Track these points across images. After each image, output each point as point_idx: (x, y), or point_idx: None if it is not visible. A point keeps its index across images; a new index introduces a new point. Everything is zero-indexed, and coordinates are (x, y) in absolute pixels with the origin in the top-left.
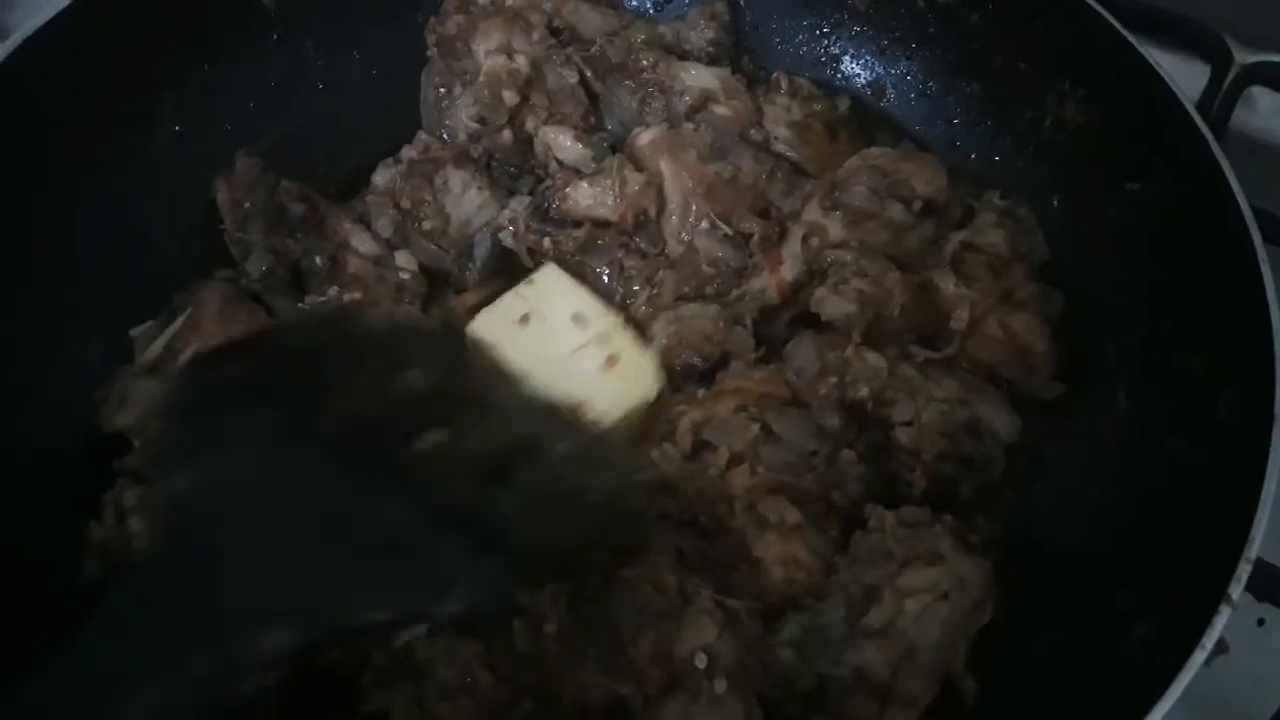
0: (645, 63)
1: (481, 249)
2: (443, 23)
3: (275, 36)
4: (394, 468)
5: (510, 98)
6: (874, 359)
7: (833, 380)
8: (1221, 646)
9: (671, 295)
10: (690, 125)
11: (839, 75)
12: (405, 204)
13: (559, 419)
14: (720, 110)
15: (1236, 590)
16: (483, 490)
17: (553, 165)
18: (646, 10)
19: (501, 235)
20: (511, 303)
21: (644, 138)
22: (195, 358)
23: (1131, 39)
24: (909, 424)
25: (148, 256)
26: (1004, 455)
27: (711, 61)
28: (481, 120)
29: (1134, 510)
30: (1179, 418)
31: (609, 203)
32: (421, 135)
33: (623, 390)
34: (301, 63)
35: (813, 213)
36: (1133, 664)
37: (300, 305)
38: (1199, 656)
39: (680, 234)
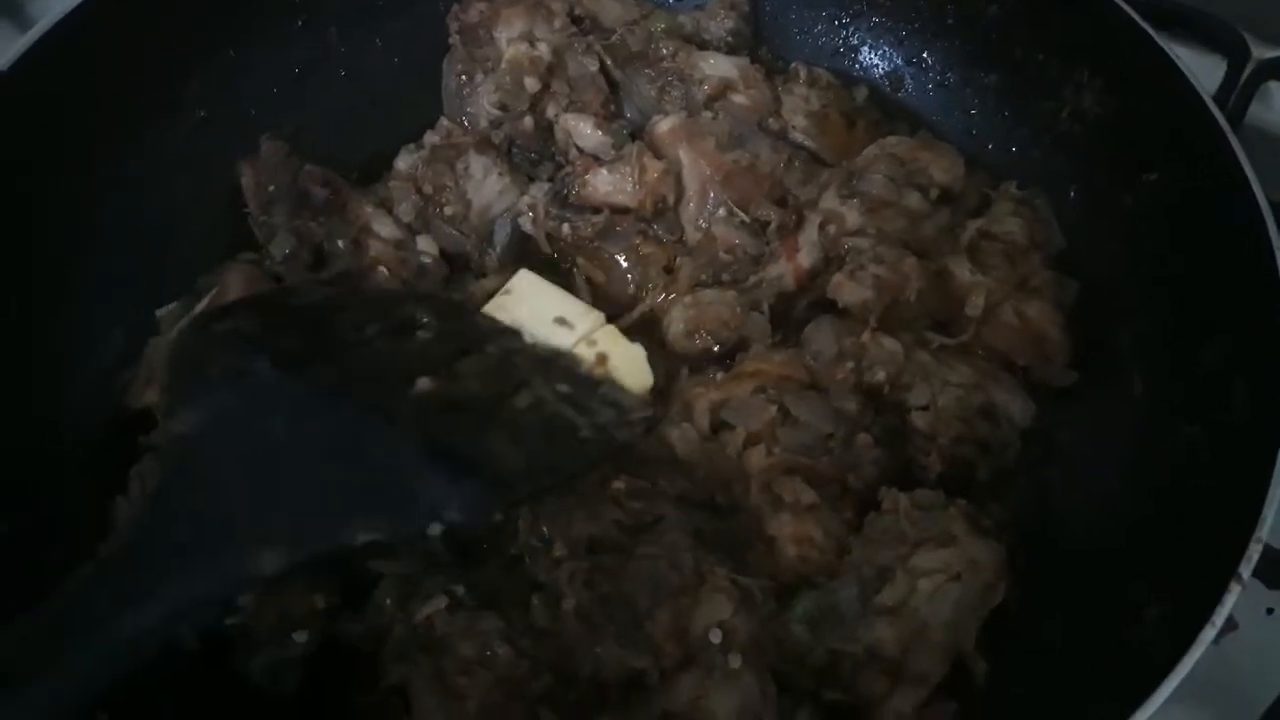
0: (665, 52)
1: (502, 234)
2: (465, 10)
3: (299, 23)
4: (388, 407)
5: (532, 85)
6: (890, 344)
7: (850, 365)
8: (1231, 624)
9: (689, 282)
10: (709, 114)
11: (857, 65)
12: (427, 189)
13: (557, 366)
14: (739, 99)
15: (1247, 569)
16: (472, 425)
17: (573, 152)
18: (666, 0)
19: (521, 221)
20: (493, 314)
21: (663, 125)
22: (203, 313)
23: (1149, 30)
24: (925, 408)
25: (173, 239)
26: (1019, 440)
27: (730, 51)
28: (503, 107)
29: (1147, 496)
30: (1193, 405)
31: (628, 189)
32: (444, 121)
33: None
34: (325, 50)
35: (830, 200)
36: (1143, 644)
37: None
38: (1209, 633)
39: (698, 221)
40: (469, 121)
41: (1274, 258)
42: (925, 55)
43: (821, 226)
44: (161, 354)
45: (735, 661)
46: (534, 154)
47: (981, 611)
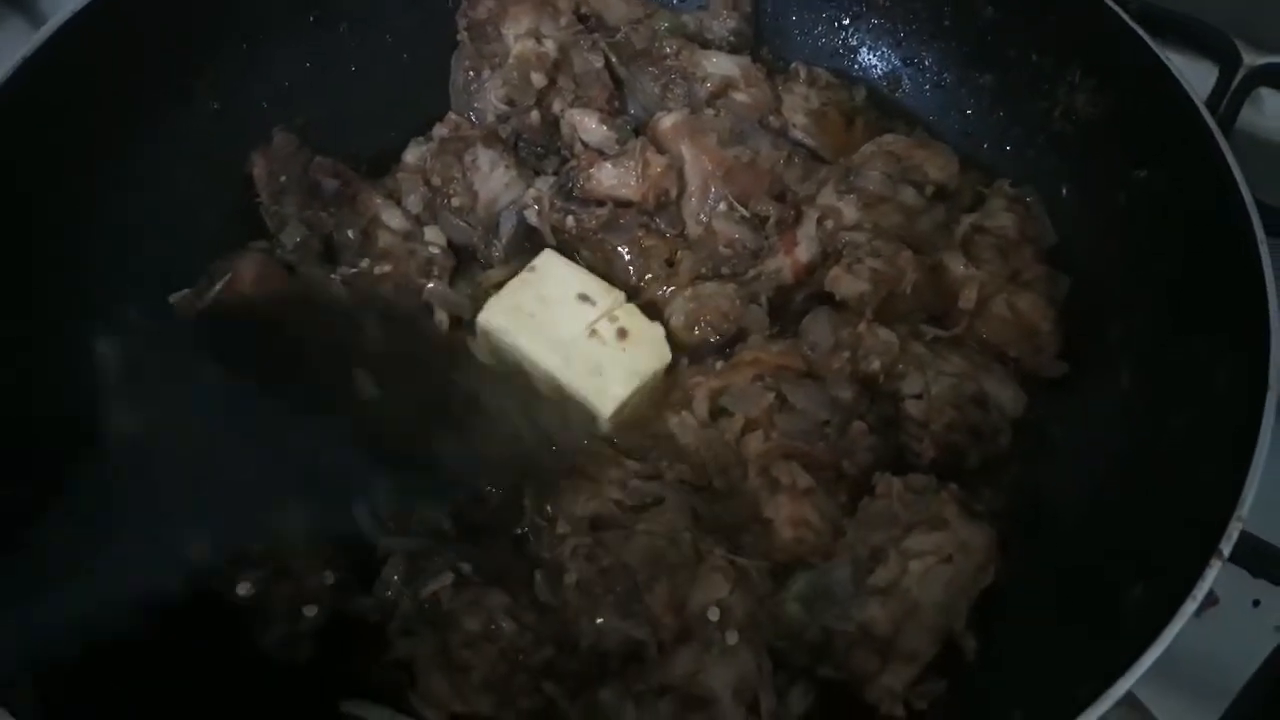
0: (668, 50)
1: (507, 226)
2: (474, 7)
3: (311, 19)
4: (328, 409)
5: (538, 80)
6: (885, 334)
7: (846, 355)
8: (1211, 599)
9: (689, 275)
10: (711, 111)
11: (856, 66)
12: (435, 181)
13: (509, 383)
14: (740, 97)
15: (1228, 546)
16: (410, 428)
17: (578, 146)
18: (670, 0)
19: (527, 213)
20: (518, 290)
21: (666, 121)
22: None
23: (1141, 32)
24: (919, 397)
25: (186, 226)
26: (1010, 429)
27: (732, 50)
28: (510, 101)
29: (1133, 482)
30: (1179, 394)
31: (631, 183)
32: (451, 115)
33: (638, 361)
34: (336, 45)
35: (828, 196)
36: (1127, 621)
37: (332, 275)
38: (1190, 606)
39: (699, 215)
40: (476, 116)
41: (1259, 254)
42: (922, 56)
43: (819, 221)
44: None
45: (732, 638)
46: (540, 148)
47: (972, 592)
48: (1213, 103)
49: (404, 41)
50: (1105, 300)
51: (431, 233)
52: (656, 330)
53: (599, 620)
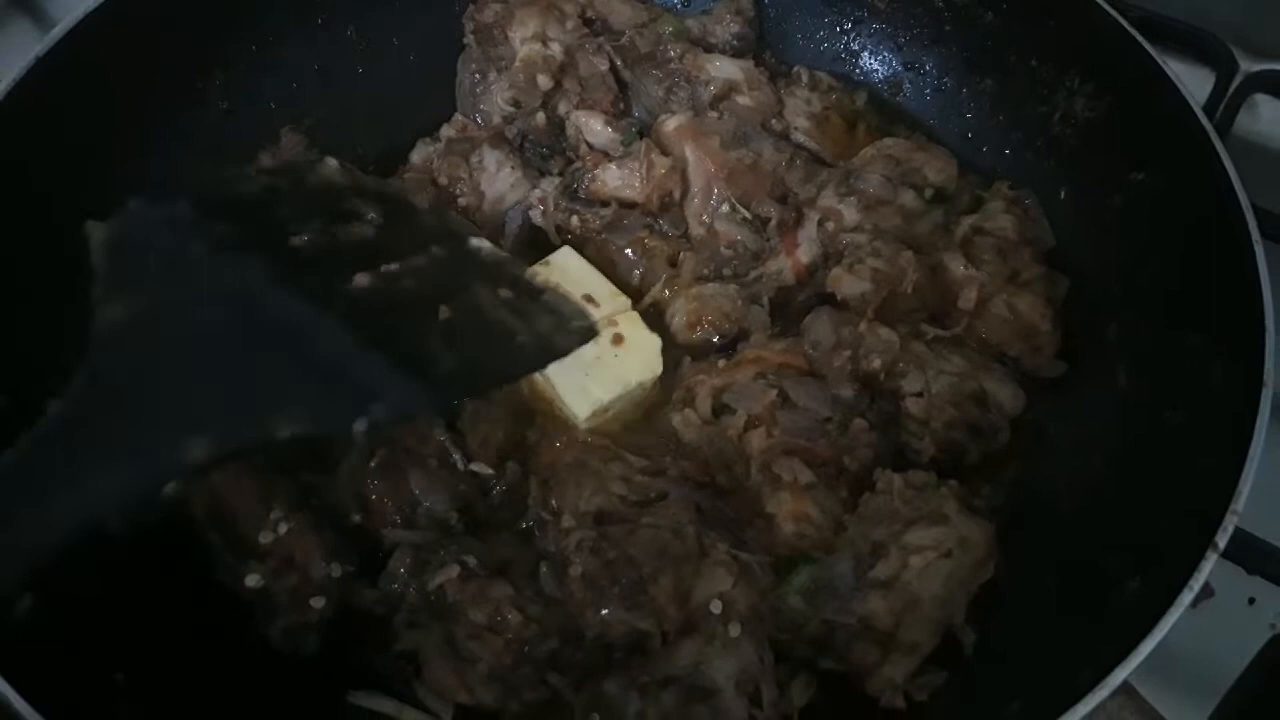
0: (672, 54)
1: (513, 225)
2: (481, 11)
3: (319, 21)
4: (323, 299)
5: (544, 82)
6: (886, 333)
7: (847, 353)
8: (1207, 591)
9: (692, 275)
10: (714, 113)
11: (858, 70)
12: (442, 181)
13: (501, 270)
14: (743, 100)
15: (1223, 539)
16: (407, 324)
17: (583, 148)
18: (674, 5)
19: (532, 213)
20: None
21: (670, 124)
22: (139, 201)
23: (1138, 37)
24: (919, 395)
25: None
26: (1009, 427)
27: (735, 54)
28: (516, 103)
29: (1130, 477)
30: (1175, 391)
31: (636, 185)
32: (458, 116)
33: (626, 370)
34: (344, 47)
35: (829, 198)
36: (1125, 613)
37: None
38: (1186, 596)
39: (701, 216)
40: (482, 118)
41: (1255, 255)
42: (923, 61)
43: (821, 223)
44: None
45: (734, 630)
46: (545, 149)
47: (971, 586)
48: (1209, 109)
49: (411, 44)
50: (1103, 301)
51: None
52: (653, 342)
53: (604, 612)
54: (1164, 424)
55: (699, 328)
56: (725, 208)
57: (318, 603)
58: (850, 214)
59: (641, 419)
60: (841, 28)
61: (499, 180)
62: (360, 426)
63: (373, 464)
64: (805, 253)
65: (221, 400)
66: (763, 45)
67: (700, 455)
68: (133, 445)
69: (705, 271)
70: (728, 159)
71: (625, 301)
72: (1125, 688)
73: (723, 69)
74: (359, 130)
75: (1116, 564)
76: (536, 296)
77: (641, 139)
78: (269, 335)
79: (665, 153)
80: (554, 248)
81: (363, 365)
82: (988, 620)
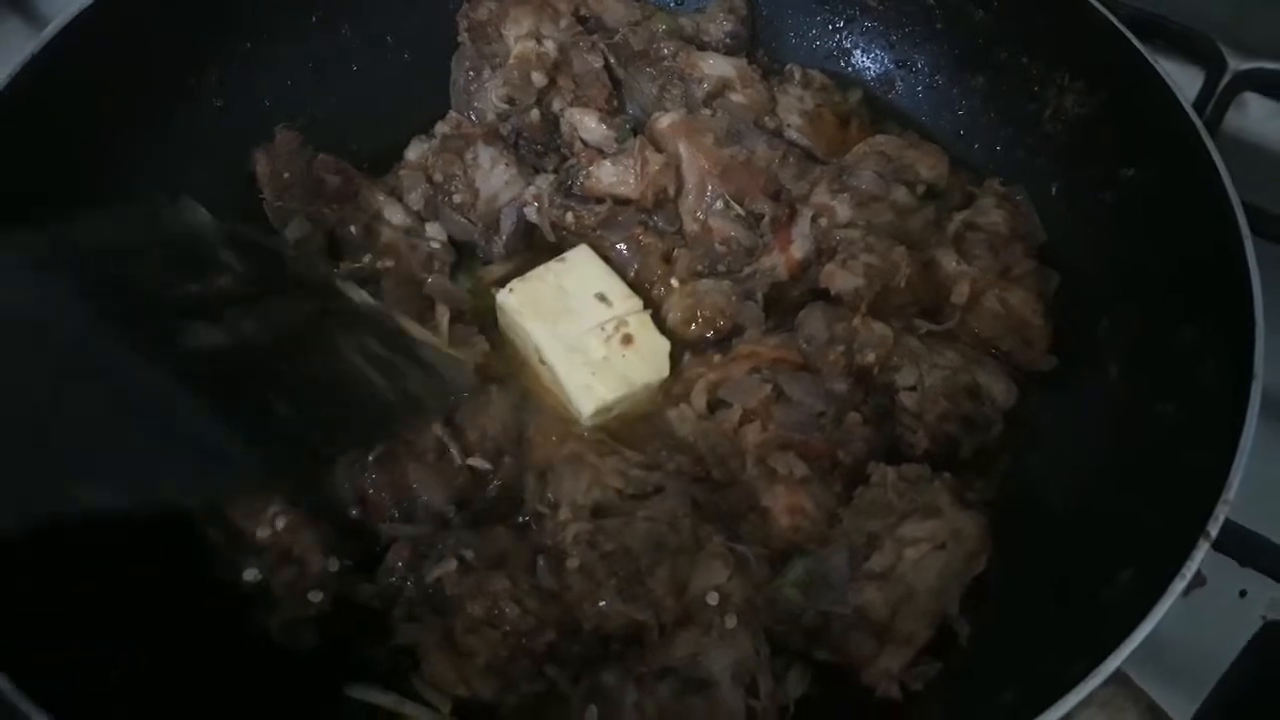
0: (666, 51)
1: (508, 222)
2: (475, 9)
3: (314, 19)
4: (162, 358)
5: (539, 79)
6: (880, 328)
7: (841, 348)
8: (1199, 579)
9: (686, 271)
10: (707, 111)
11: (850, 68)
12: (437, 178)
13: (371, 324)
14: (736, 98)
15: (1215, 527)
16: (258, 384)
17: (578, 145)
18: (667, 3)
19: (527, 210)
20: (542, 275)
21: (663, 121)
22: None
23: (1128, 34)
24: (912, 389)
25: None
26: (1001, 420)
27: (729, 52)
28: (511, 101)
29: (1122, 470)
30: (1166, 384)
31: (630, 181)
32: (453, 113)
33: (632, 370)
34: (338, 45)
35: (822, 195)
36: (1117, 603)
37: (336, 270)
38: (1179, 584)
39: (696, 213)
40: (476, 115)
41: (1244, 248)
42: (915, 58)
43: (814, 219)
44: None
45: (731, 622)
46: (540, 146)
47: (965, 578)
48: (1198, 106)
49: (405, 42)
50: (1094, 295)
51: (433, 229)
52: (661, 345)
53: (602, 604)
54: (1155, 416)
55: (694, 323)
56: (719, 204)
57: (316, 597)
58: (843, 210)
59: (640, 414)
60: (834, 25)
61: (494, 177)
62: (186, 503)
63: (370, 459)
64: (799, 249)
65: (24, 465)
66: (755, 43)
67: (696, 450)
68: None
69: (700, 268)
70: (721, 156)
71: (637, 302)
72: (1119, 675)
73: (716, 67)
74: (353, 128)
75: (1109, 555)
76: (412, 352)
77: (636, 136)
78: (85, 396)
79: (659, 150)
80: (548, 244)
81: (196, 431)
82: (982, 611)
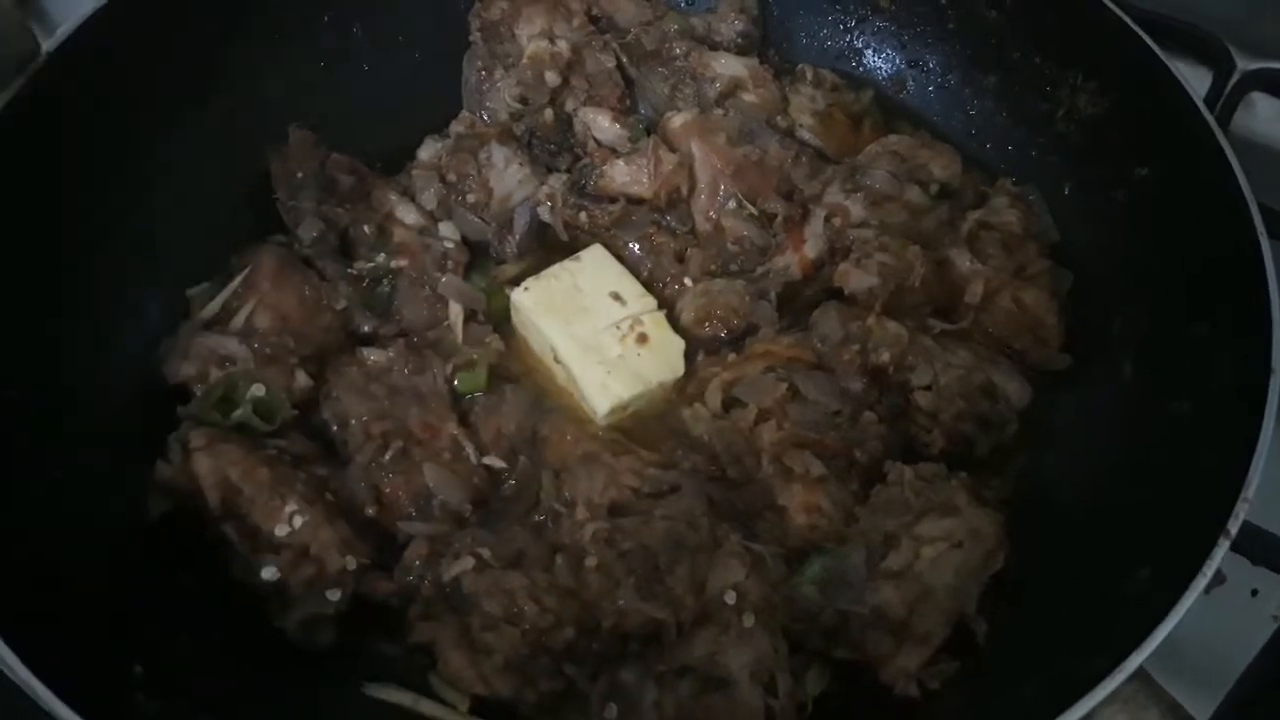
0: (678, 51)
1: (521, 221)
2: (487, 9)
3: (326, 19)
4: None
5: (552, 79)
6: (894, 327)
7: (855, 347)
8: (1219, 578)
9: (699, 271)
10: (720, 110)
11: (862, 68)
12: (451, 177)
13: None
14: (748, 97)
15: (1235, 525)
16: None
17: (591, 144)
18: (679, 3)
19: (540, 209)
20: (557, 274)
21: (676, 120)
22: None
23: (1141, 33)
24: (927, 388)
25: (204, 221)
26: (1016, 419)
27: (740, 52)
28: (524, 100)
29: (1138, 468)
30: (1181, 382)
31: (644, 180)
32: (466, 113)
33: (647, 369)
34: (350, 45)
35: (835, 194)
36: (1137, 600)
37: (349, 270)
38: (1200, 582)
39: (708, 212)
40: (488, 115)
41: (1260, 245)
42: (927, 58)
43: (827, 219)
44: (198, 343)
45: (749, 620)
46: (553, 145)
47: (982, 576)
48: (1207, 106)
49: (416, 42)
50: (1107, 294)
51: (446, 228)
52: (676, 344)
53: (621, 602)
54: (1170, 414)
55: (707, 323)
56: (732, 204)
57: (333, 595)
58: (856, 210)
59: (657, 417)
60: (845, 25)
61: (507, 177)
62: None
63: (386, 458)
64: (812, 248)
65: None
66: (767, 43)
67: (710, 448)
68: None
69: (713, 267)
70: (734, 155)
71: (651, 302)
72: (1140, 673)
73: (728, 66)
74: (365, 127)
75: (1126, 553)
76: None
77: (649, 135)
78: None
79: (672, 149)
80: (561, 244)
81: None
82: (999, 610)
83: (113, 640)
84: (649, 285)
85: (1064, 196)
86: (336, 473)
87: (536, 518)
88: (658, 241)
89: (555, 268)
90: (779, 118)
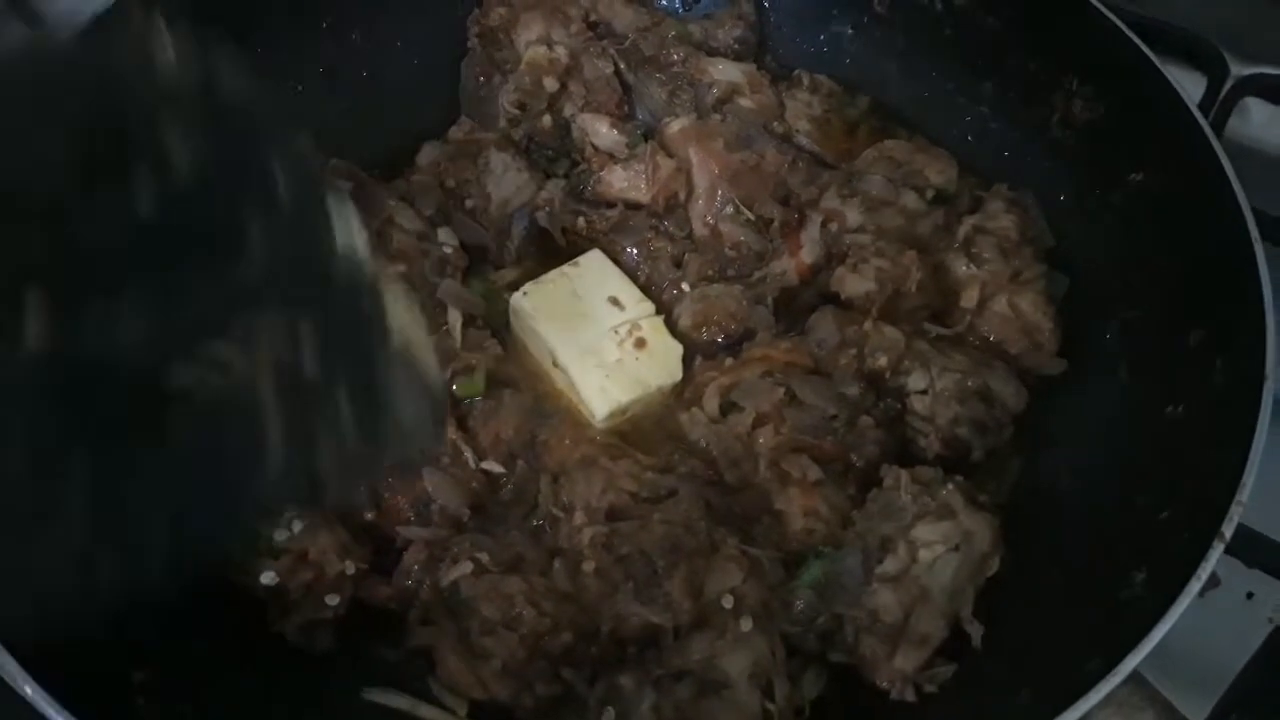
0: (675, 57)
1: (519, 227)
2: (486, 14)
3: (324, 25)
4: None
5: (550, 85)
6: (891, 331)
7: (852, 351)
8: (1214, 581)
9: (696, 276)
10: (717, 116)
11: (858, 73)
12: (449, 183)
13: (345, 311)
14: (745, 103)
15: (1230, 529)
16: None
17: (589, 150)
18: (676, 9)
19: (538, 215)
20: (555, 279)
21: (674, 126)
22: None
23: (1135, 39)
24: (924, 392)
25: None
26: (1012, 424)
27: (737, 58)
28: (522, 106)
29: (1134, 472)
30: (1176, 387)
31: (641, 186)
32: (465, 119)
33: (646, 373)
34: (348, 50)
35: (831, 200)
36: (1132, 604)
37: None
38: (1194, 586)
39: (706, 218)
40: (486, 121)
41: (1254, 251)
42: (923, 64)
43: (823, 224)
44: None
45: (746, 624)
46: (551, 151)
47: (978, 580)
48: (1201, 111)
49: (415, 48)
50: (1103, 299)
51: (444, 233)
52: (674, 349)
53: (619, 606)
54: (1165, 419)
55: (704, 328)
56: (729, 209)
57: (332, 600)
58: (853, 215)
59: (652, 418)
60: (842, 31)
61: (505, 182)
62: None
63: None
64: (809, 253)
65: None
66: (764, 48)
67: (708, 453)
68: None
69: (710, 272)
70: (731, 161)
71: (650, 307)
72: (1135, 676)
73: (725, 72)
74: (364, 133)
75: (1121, 556)
76: (367, 376)
77: (647, 141)
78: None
79: (670, 155)
80: (559, 249)
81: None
82: (995, 613)
83: (112, 646)
84: (647, 290)
85: (1059, 201)
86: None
87: (534, 522)
88: (655, 247)
89: (554, 273)
90: (776, 123)
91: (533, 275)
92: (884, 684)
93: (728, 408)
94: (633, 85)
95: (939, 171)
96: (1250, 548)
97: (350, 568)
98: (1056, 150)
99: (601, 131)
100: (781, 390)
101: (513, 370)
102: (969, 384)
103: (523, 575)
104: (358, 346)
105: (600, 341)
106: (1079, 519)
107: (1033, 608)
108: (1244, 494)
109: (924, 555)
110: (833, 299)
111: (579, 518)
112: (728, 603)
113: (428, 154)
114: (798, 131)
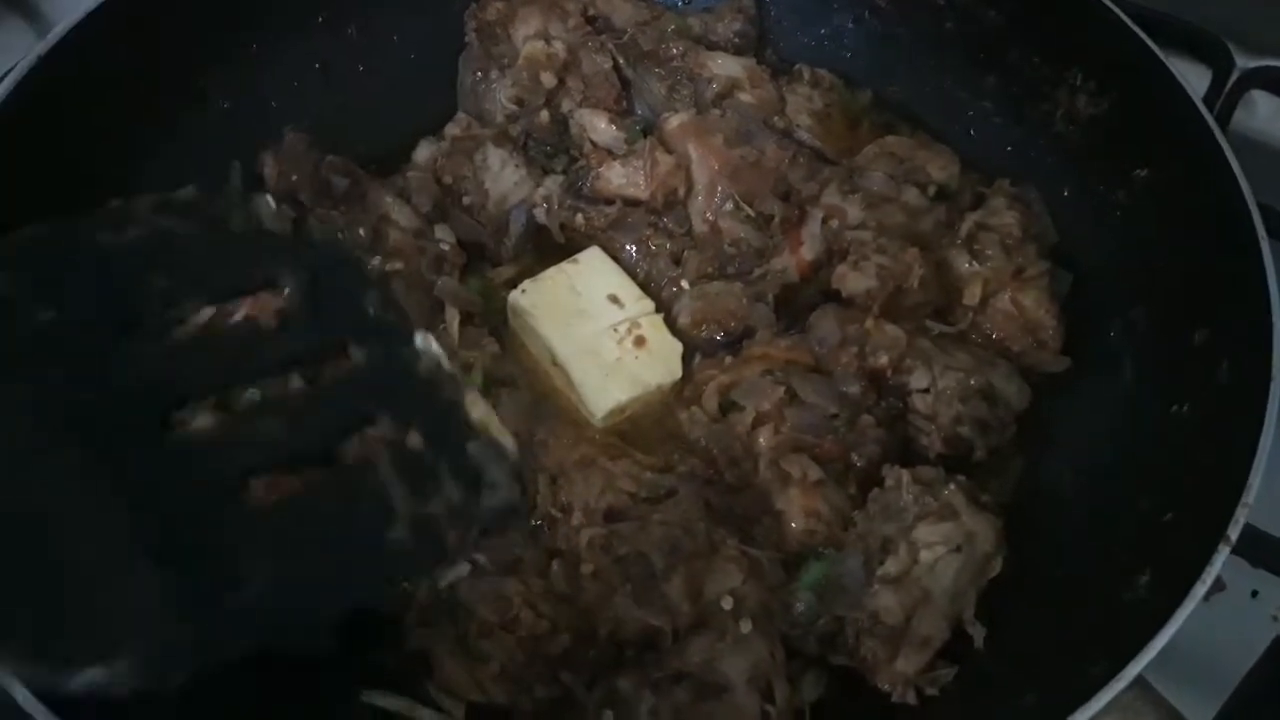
0: (675, 51)
1: (517, 224)
2: (483, 9)
3: (320, 19)
4: (138, 456)
5: (548, 80)
6: (893, 330)
7: (853, 350)
8: (1219, 585)
9: (695, 273)
10: (717, 111)
11: (859, 68)
12: (446, 179)
13: (432, 399)
14: (745, 98)
15: (1235, 531)
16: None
17: (587, 146)
18: (675, 3)
19: (536, 211)
20: (554, 277)
21: (673, 121)
22: None
23: (1140, 32)
24: (925, 391)
25: None
26: (1014, 423)
27: (737, 52)
28: (519, 101)
29: (1138, 472)
30: (1182, 386)
31: (640, 182)
32: (462, 115)
33: (645, 372)
34: (344, 46)
35: (832, 196)
36: (1137, 607)
37: None
38: (1200, 589)
39: (705, 214)
40: (484, 117)
41: (1260, 247)
42: (925, 59)
43: (824, 221)
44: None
45: (746, 626)
46: (549, 147)
47: (980, 581)
48: (1206, 105)
49: (411, 43)
50: (1107, 296)
51: (441, 230)
52: (674, 347)
53: (618, 609)
54: (1170, 418)
55: (704, 326)
56: (729, 205)
57: None
58: (854, 211)
59: (651, 417)
60: (843, 25)
61: (503, 179)
62: (77, 685)
63: None
64: (809, 250)
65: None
66: (764, 43)
67: (708, 452)
68: None
69: (709, 270)
70: (731, 156)
71: (649, 304)
72: (1139, 680)
73: (725, 66)
74: (360, 129)
75: (1125, 558)
76: (460, 449)
77: (645, 137)
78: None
79: (669, 150)
80: (557, 246)
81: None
82: (997, 615)
83: None
84: (646, 287)
85: (1063, 197)
86: None
87: (533, 523)
88: (655, 244)
89: (553, 270)
90: (776, 118)
91: (531, 273)
92: (885, 686)
93: (728, 406)
94: (631, 80)
95: (941, 167)
96: (1256, 547)
97: None
98: (1060, 145)
99: (600, 127)
100: (782, 389)
101: (511, 368)
102: (971, 382)
103: (520, 577)
104: (448, 429)
105: (599, 340)
106: (1082, 519)
107: (1036, 610)
108: (1250, 495)
109: (926, 556)
110: (834, 296)
111: (577, 519)
112: (727, 604)
113: (424, 150)
114: (798, 126)
